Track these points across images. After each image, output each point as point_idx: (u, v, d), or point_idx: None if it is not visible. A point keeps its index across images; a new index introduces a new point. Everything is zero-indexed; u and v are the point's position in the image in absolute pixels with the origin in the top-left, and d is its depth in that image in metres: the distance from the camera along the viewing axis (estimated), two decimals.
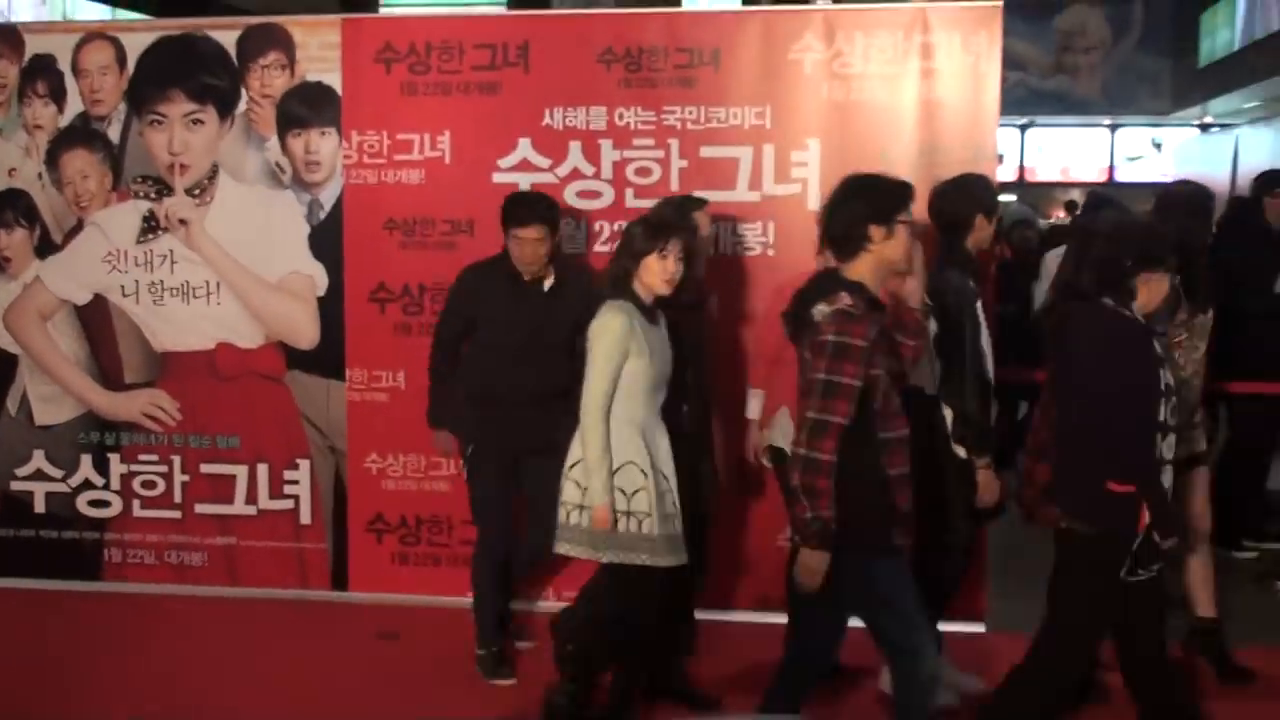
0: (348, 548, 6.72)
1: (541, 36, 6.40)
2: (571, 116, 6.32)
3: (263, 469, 6.76)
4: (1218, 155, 25.95)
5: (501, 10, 10.02)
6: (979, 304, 5.29)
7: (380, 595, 6.65)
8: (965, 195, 5.35)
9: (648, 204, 6.15)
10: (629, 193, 6.30)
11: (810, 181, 6.16)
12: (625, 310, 4.80)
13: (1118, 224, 4.74)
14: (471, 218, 6.42)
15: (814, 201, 6.08)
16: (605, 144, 6.31)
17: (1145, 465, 4.26)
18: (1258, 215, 7.54)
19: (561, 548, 4.97)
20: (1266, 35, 17.57)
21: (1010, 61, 26.43)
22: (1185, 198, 5.79)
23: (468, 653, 5.89)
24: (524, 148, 6.37)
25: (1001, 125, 6.15)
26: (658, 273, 4.81)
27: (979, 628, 6.19)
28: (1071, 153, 27.07)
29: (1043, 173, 26.48)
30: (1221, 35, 20.49)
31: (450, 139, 6.44)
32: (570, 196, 6.32)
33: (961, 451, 5.17)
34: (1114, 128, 26.98)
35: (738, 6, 15.06)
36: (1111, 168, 26.78)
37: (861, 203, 4.23)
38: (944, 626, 5.68)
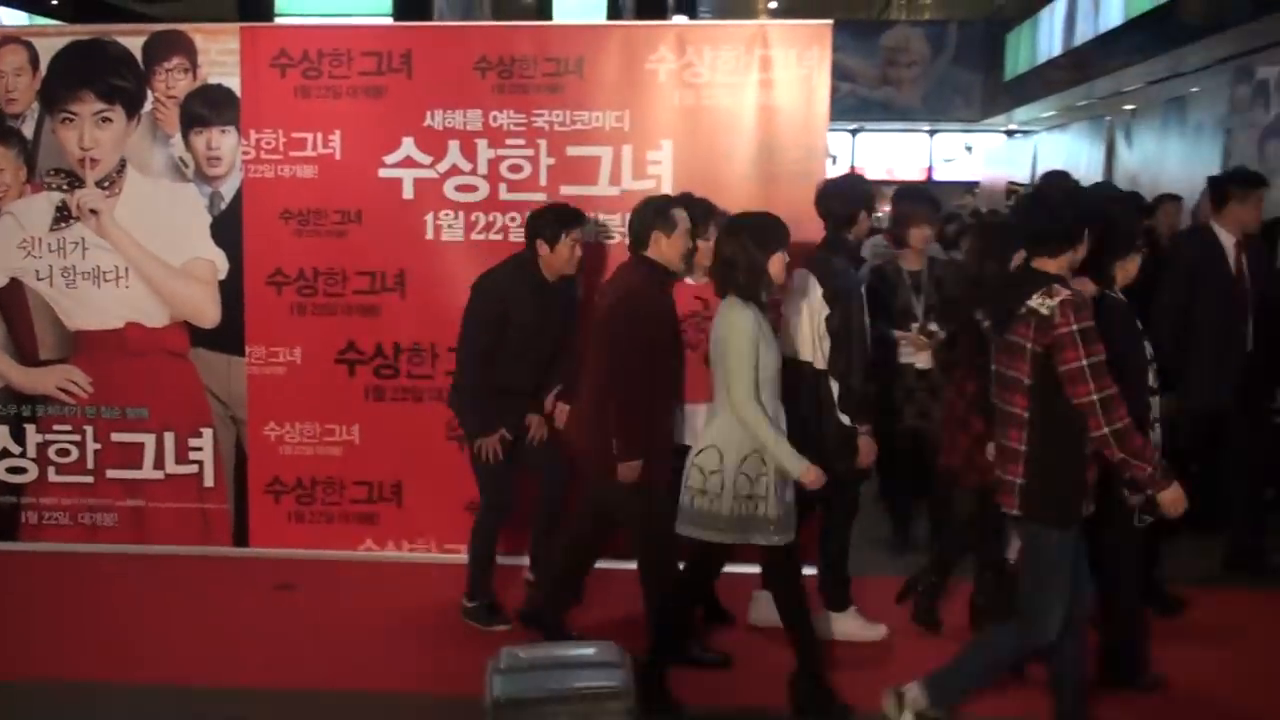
0: (248, 508, 6.66)
1: (423, 46, 6.39)
2: (450, 118, 6.32)
3: (169, 437, 6.67)
4: (1020, 157, 26.69)
5: (387, 21, 9.94)
6: (862, 288, 5.45)
7: (278, 550, 6.61)
8: (851, 194, 5.48)
9: (520, 198, 6.23)
10: (502, 187, 6.32)
11: (664, 178, 6.23)
12: (750, 307, 4.64)
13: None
14: (360, 208, 6.40)
15: None
16: (481, 143, 6.32)
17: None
18: None
19: (683, 529, 4.77)
20: (1061, 54, 18.07)
21: (842, 74, 26.98)
22: (1108, 195, 5.92)
23: (357, 598, 5.92)
24: (407, 146, 6.35)
25: (834, 130, 6.30)
26: (781, 267, 4.74)
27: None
28: (896, 154, 27.62)
29: (871, 172, 26.86)
30: (1024, 53, 21.05)
31: (341, 137, 6.39)
32: (449, 190, 6.33)
33: (846, 419, 5.29)
34: (932, 133, 27.58)
35: (602, 20, 15.08)
36: (930, 168, 27.38)
37: (1086, 210, 4.32)
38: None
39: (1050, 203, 4.38)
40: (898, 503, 7.03)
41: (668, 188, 6.15)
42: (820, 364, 5.28)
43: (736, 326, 4.58)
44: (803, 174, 6.04)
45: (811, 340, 5.29)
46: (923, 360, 6.24)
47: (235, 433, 6.63)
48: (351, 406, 6.48)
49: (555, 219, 5.53)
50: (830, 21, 6.19)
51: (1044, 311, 4.12)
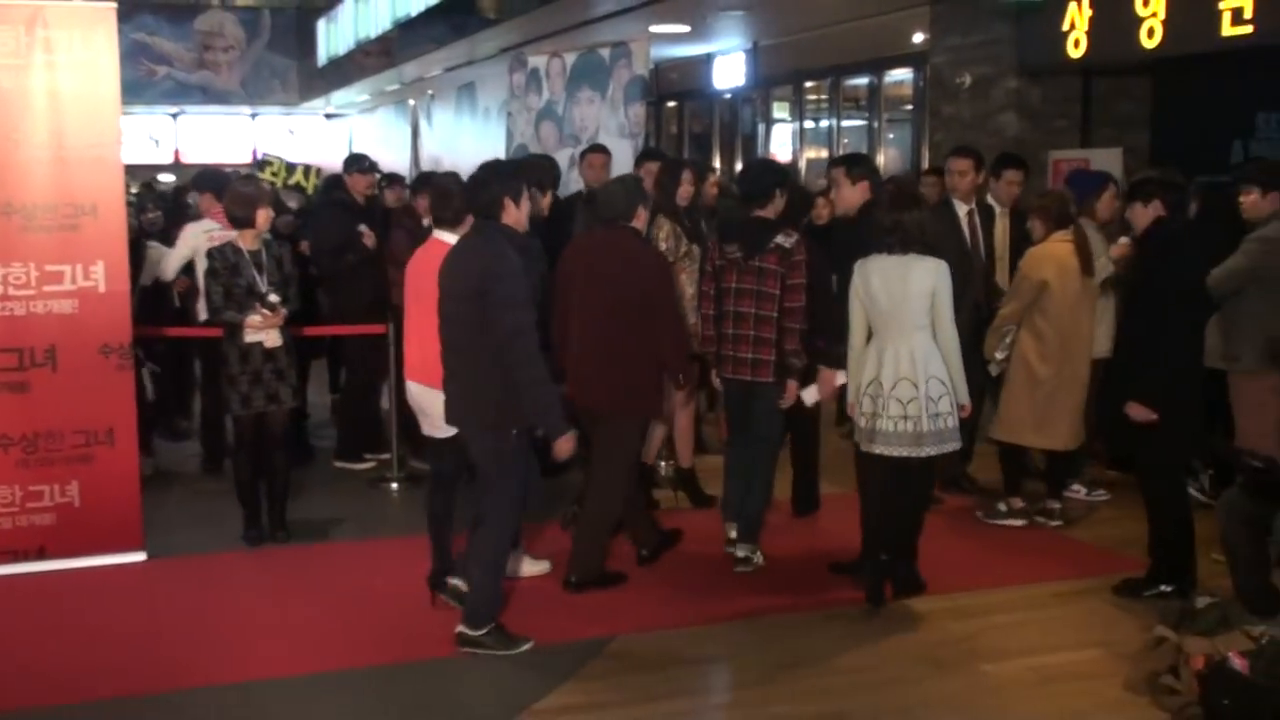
0: None
1: None
2: None
3: None
4: (338, 139, 26.85)
5: None
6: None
7: None
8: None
9: None
10: None
11: None
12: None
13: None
14: None
15: None
16: None
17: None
18: (342, 188, 7.92)
19: (893, 450, 5.09)
20: (368, 40, 18.34)
21: (158, 57, 25.57)
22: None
23: None
24: None
25: (154, 113, 5.88)
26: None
27: (140, 556, 5.82)
28: (220, 138, 26.72)
29: (196, 156, 25.78)
30: (334, 40, 21.09)
31: None
32: None
33: None
34: (254, 115, 26.99)
35: None
36: (256, 151, 26.81)
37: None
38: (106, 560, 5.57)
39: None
40: None
41: None
42: None
43: (946, 278, 5.07)
44: (95, 158, 5.61)
45: None
46: (271, 339, 5.95)
47: None
48: None
49: (514, 174, 4.83)
50: (114, 5, 5.75)
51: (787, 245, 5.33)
